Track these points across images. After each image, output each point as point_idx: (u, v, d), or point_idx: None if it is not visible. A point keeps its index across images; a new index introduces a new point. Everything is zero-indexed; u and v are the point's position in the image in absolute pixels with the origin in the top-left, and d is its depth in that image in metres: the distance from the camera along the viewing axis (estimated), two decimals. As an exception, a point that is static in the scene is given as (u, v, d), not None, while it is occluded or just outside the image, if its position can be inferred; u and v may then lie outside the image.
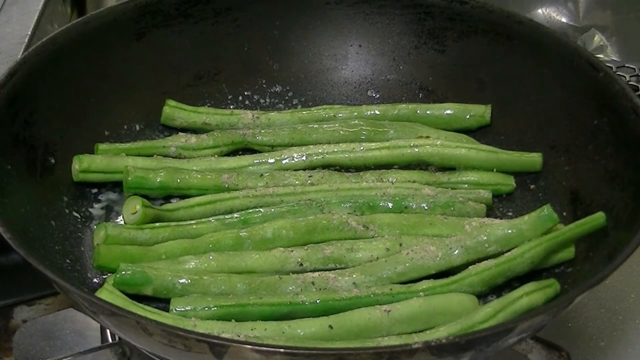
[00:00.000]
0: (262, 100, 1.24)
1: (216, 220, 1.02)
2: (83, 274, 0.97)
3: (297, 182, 1.07)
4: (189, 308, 0.89)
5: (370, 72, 1.25)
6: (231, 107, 1.22)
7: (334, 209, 1.03)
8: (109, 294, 0.89)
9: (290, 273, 0.96)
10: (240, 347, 0.73)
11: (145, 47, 1.17)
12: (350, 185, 1.07)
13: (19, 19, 1.32)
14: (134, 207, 1.01)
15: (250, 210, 1.03)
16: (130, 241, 0.98)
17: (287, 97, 1.24)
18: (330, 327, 0.88)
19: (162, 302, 0.92)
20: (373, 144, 1.12)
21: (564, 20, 1.55)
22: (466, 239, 0.96)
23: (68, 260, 0.97)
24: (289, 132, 1.15)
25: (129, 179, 1.04)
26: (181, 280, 0.92)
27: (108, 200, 1.07)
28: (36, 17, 1.33)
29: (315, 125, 1.15)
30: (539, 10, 1.57)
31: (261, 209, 1.03)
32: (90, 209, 1.06)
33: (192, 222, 1.02)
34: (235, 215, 1.02)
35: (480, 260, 0.95)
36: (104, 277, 0.96)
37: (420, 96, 1.23)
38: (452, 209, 1.04)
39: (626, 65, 1.48)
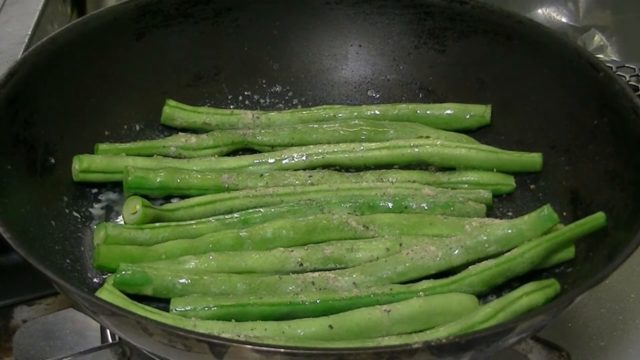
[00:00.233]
0: (262, 100, 1.24)
1: (216, 220, 1.02)
2: (83, 274, 0.97)
3: (297, 182, 1.07)
4: (189, 308, 0.89)
5: (370, 72, 1.25)
6: (231, 107, 1.22)
7: (334, 209, 1.03)
8: (109, 294, 0.89)
9: (290, 273, 0.96)
10: (240, 347, 0.73)
11: (145, 47, 1.17)
12: (350, 185, 1.07)
13: (19, 19, 1.32)
14: (134, 207, 1.01)
15: (250, 210, 1.03)
16: (130, 241, 0.98)
17: (287, 97, 1.24)
18: (330, 327, 0.88)
19: (162, 302, 0.92)
20: (373, 144, 1.12)
21: (564, 20, 1.55)
22: (466, 239, 0.96)
23: (68, 260, 0.97)
24: (289, 132, 1.15)
25: (129, 179, 1.04)
26: (181, 280, 0.92)
27: (108, 200, 1.07)
28: (36, 17, 1.33)
29: (315, 125, 1.15)
30: (539, 10, 1.57)
31: (261, 209, 1.03)
32: (90, 209, 1.06)
33: (192, 222, 1.02)
34: (235, 215, 1.02)
35: (480, 260, 0.95)
36: (104, 277, 0.96)
37: (420, 96, 1.23)
38: (452, 209, 1.04)
39: (626, 65, 1.48)
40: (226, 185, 1.06)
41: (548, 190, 1.09)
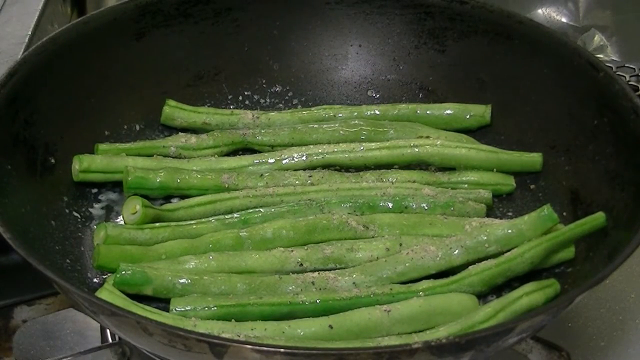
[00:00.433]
0: (262, 100, 1.24)
1: (216, 220, 1.02)
2: (83, 274, 0.97)
3: (297, 182, 1.07)
4: (189, 308, 0.89)
5: (370, 72, 1.25)
6: (231, 107, 1.22)
7: (334, 209, 1.03)
8: (109, 294, 0.89)
9: (290, 273, 0.96)
10: (240, 347, 0.73)
11: (145, 47, 1.17)
12: (350, 185, 1.07)
13: (19, 19, 1.32)
14: (134, 207, 1.01)
15: (250, 210, 1.03)
16: (130, 241, 0.98)
17: (287, 97, 1.24)
18: (330, 327, 0.88)
19: (162, 302, 0.92)
20: (373, 144, 1.12)
21: (564, 20, 1.55)
22: (466, 239, 0.96)
23: (68, 260, 0.97)
24: (289, 132, 1.15)
25: (129, 179, 1.04)
26: (181, 280, 0.92)
27: (108, 200, 1.07)
28: (36, 17, 1.33)
29: (315, 125, 1.15)
30: (539, 10, 1.57)
31: (261, 209, 1.03)
32: (90, 209, 1.06)
33: (192, 222, 1.02)
34: (235, 215, 1.02)
35: (480, 260, 0.95)
36: (104, 277, 0.96)
37: (420, 96, 1.23)
38: (452, 209, 1.04)
39: (626, 65, 1.48)
40: (226, 185, 1.06)
41: (548, 190, 1.09)
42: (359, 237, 1.01)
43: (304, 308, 0.90)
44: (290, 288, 0.94)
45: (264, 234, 0.99)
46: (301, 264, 0.97)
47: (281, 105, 1.24)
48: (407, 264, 0.95)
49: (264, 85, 1.24)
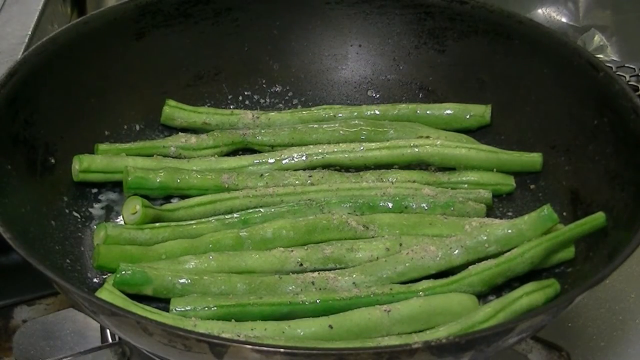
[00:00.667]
0: (262, 100, 1.24)
1: (216, 220, 1.02)
2: (83, 274, 0.97)
3: (297, 182, 1.07)
4: (189, 308, 0.89)
5: (370, 72, 1.25)
6: (231, 107, 1.22)
7: (334, 209, 1.03)
8: (109, 294, 0.89)
9: (290, 273, 0.96)
10: (240, 347, 0.73)
11: (145, 47, 1.17)
12: (350, 185, 1.07)
13: (19, 19, 1.32)
14: (134, 207, 1.01)
15: (250, 210, 1.03)
16: (130, 241, 0.98)
17: (287, 97, 1.24)
18: (330, 327, 0.88)
19: (162, 302, 0.92)
20: (373, 144, 1.12)
21: (564, 20, 1.55)
22: (466, 239, 0.96)
23: (68, 260, 0.97)
24: (289, 132, 1.15)
25: (129, 179, 1.04)
26: (181, 280, 0.92)
27: (108, 200, 1.07)
28: (36, 17, 1.33)
29: (315, 125, 1.15)
30: (539, 10, 1.57)
31: (261, 209, 1.03)
32: (90, 209, 1.06)
33: (192, 222, 1.02)
34: (235, 215, 1.02)
35: (480, 260, 0.95)
36: (104, 277, 0.96)
37: (420, 96, 1.23)
38: (452, 209, 1.04)
39: (626, 65, 1.48)
40: (226, 185, 1.06)
41: (548, 190, 1.09)
42: (359, 237, 1.01)
43: (304, 308, 0.90)
44: (290, 288, 0.94)
45: (264, 234, 0.99)
46: (301, 264, 0.97)
47: (281, 105, 1.24)
48: (407, 264, 0.95)
49: (264, 85, 1.24)
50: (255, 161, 1.11)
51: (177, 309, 0.89)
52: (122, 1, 1.16)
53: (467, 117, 1.17)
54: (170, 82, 1.20)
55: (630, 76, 1.45)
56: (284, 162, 1.11)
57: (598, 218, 0.94)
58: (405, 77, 1.24)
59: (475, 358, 0.79)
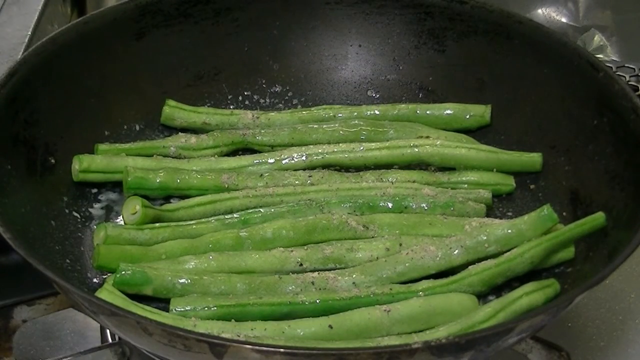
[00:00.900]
0: (262, 100, 1.24)
1: (216, 220, 1.02)
2: (83, 274, 0.97)
3: (297, 182, 1.07)
4: (189, 308, 0.89)
5: (370, 72, 1.25)
6: (231, 107, 1.22)
7: (334, 209, 1.03)
8: (109, 294, 0.89)
9: (290, 273, 0.96)
10: (240, 347, 0.73)
11: (145, 47, 1.17)
12: (350, 185, 1.07)
13: (19, 19, 1.32)
14: (133, 207, 1.01)
15: (250, 210, 1.03)
16: (130, 241, 0.98)
17: (287, 97, 1.24)
18: (330, 327, 0.88)
19: (162, 302, 0.92)
20: (373, 144, 1.12)
21: (564, 20, 1.55)
22: (466, 239, 0.96)
23: (68, 260, 0.97)
24: (289, 132, 1.15)
25: (129, 179, 1.04)
26: (181, 280, 0.92)
27: (108, 200, 1.07)
28: (36, 17, 1.33)
29: (315, 125, 1.15)
30: (539, 10, 1.57)
31: (261, 209, 1.03)
32: (90, 209, 1.06)
33: (192, 222, 1.02)
34: (235, 215, 1.02)
35: (480, 260, 0.95)
36: (104, 277, 0.96)
37: (420, 96, 1.23)
38: (452, 209, 1.04)
39: (626, 65, 1.48)
40: (226, 186, 1.06)
41: (548, 190, 1.09)
42: (358, 237, 1.01)
43: (304, 308, 0.90)
44: (290, 288, 0.94)
45: (263, 234, 0.99)
46: (301, 264, 0.97)
47: (281, 105, 1.24)
48: (407, 264, 0.95)
49: (264, 85, 1.24)
50: (255, 161, 1.11)
51: (177, 309, 0.89)
52: (122, 1, 1.16)
53: (467, 117, 1.17)
54: (170, 82, 1.20)
55: (630, 76, 1.45)
56: (283, 162, 1.11)
57: (598, 218, 0.94)
58: (405, 77, 1.24)
59: (475, 358, 0.79)
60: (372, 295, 0.91)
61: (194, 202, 1.04)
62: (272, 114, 1.19)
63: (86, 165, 1.05)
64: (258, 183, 1.07)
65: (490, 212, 1.07)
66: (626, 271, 1.10)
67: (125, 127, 1.15)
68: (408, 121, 1.17)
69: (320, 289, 0.94)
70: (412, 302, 0.91)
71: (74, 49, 1.10)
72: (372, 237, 1.01)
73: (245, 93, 1.24)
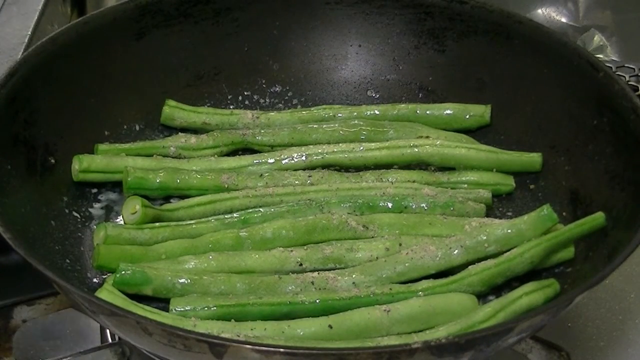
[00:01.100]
0: (262, 100, 1.24)
1: (216, 220, 1.02)
2: (83, 274, 0.97)
3: (297, 182, 1.08)
4: (189, 308, 0.89)
5: (370, 72, 1.25)
6: (231, 107, 1.22)
7: (334, 209, 1.03)
8: (108, 294, 0.89)
9: (290, 273, 0.96)
10: (240, 347, 0.73)
11: (145, 47, 1.17)
12: (350, 185, 1.07)
13: (19, 19, 1.32)
14: (133, 207, 1.01)
15: (250, 210, 1.03)
16: (130, 241, 0.98)
17: (287, 97, 1.24)
18: (330, 326, 0.88)
19: (162, 302, 0.92)
20: (373, 144, 1.12)
21: (563, 20, 1.55)
22: (466, 239, 0.96)
23: (68, 260, 0.97)
24: (288, 132, 1.15)
25: (129, 179, 1.04)
26: (181, 280, 0.92)
27: (108, 200, 1.07)
28: (36, 17, 1.33)
29: (315, 125, 1.15)
30: (539, 10, 1.57)
31: (261, 209, 1.03)
32: (90, 209, 1.06)
33: (192, 222, 1.02)
34: (235, 215, 1.02)
35: (479, 260, 0.95)
36: (104, 277, 0.96)
37: (420, 96, 1.23)
38: (451, 209, 1.04)
39: (626, 65, 1.48)
40: (226, 186, 1.06)
41: (548, 190, 1.09)
42: (358, 237, 1.01)
43: (304, 308, 0.90)
44: (290, 288, 0.94)
45: (263, 233, 0.99)
46: (301, 264, 0.97)
47: (281, 105, 1.24)
48: (406, 264, 0.95)
49: (264, 85, 1.24)
50: (255, 161, 1.11)
51: (176, 309, 0.89)
52: (122, 1, 1.16)
53: (467, 117, 1.17)
54: (170, 82, 1.20)
55: (630, 76, 1.45)
56: (283, 162, 1.11)
57: (598, 218, 0.94)
58: (405, 77, 1.24)
59: (475, 358, 0.79)
60: (372, 295, 0.91)
61: (194, 202, 1.04)
62: (272, 114, 1.19)
63: (86, 165, 1.05)
64: (258, 183, 1.07)
65: (490, 212, 1.07)
66: (626, 271, 1.10)
67: (125, 127, 1.15)
68: (408, 121, 1.17)
69: (320, 288, 0.94)
70: (412, 302, 0.91)
71: (74, 49, 1.10)
72: (372, 237, 1.01)
73: (245, 93, 1.24)
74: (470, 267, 0.95)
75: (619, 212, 0.95)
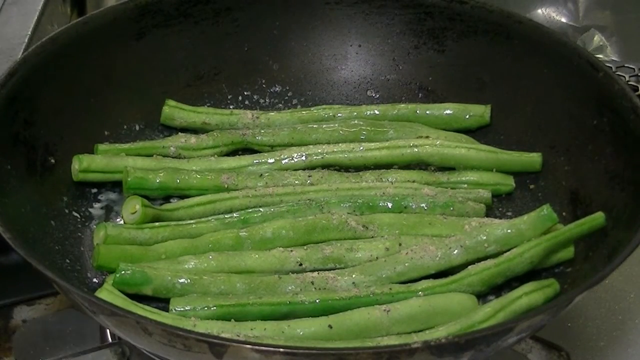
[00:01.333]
0: (261, 100, 1.24)
1: (216, 220, 1.02)
2: (83, 274, 0.97)
3: (296, 182, 1.08)
4: (189, 308, 0.89)
5: (370, 72, 1.25)
6: (231, 107, 1.22)
7: (334, 209, 1.03)
8: (108, 293, 0.89)
9: (290, 273, 0.96)
10: (240, 346, 0.73)
11: (145, 47, 1.17)
12: (350, 185, 1.07)
13: (19, 19, 1.32)
14: (133, 207, 1.01)
15: (250, 210, 1.03)
16: (130, 241, 0.98)
17: (286, 97, 1.24)
18: (330, 326, 0.88)
19: (162, 302, 0.92)
20: (373, 144, 1.12)
21: (563, 20, 1.55)
22: (466, 239, 0.96)
23: (68, 260, 0.97)
24: (288, 132, 1.15)
25: (129, 179, 1.04)
26: (181, 280, 0.92)
27: (108, 200, 1.07)
28: (36, 17, 1.33)
29: (315, 125, 1.15)
30: (539, 10, 1.57)
31: (261, 209, 1.03)
32: (90, 209, 1.06)
33: (192, 221, 1.02)
34: (235, 215, 1.02)
35: (479, 260, 0.95)
36: (104, 277, 0.96)
37: (420, 96, 1.23)
38: (451, 208, 1.04)
39: (626, 65, 1.48)
40: (226, 186, 1.06)
41: (548, 190, 1.09)
42: (358, 237, 1.01)
43: (304, 308, 0.90)
44: (290, 288, 0.94)
45: (263, 233, 0.99)
46: (301, 264, 0.97)
47: (281, 105, 1.24)
48: (406, 264, 0.95)
49: (264, 85, 1.24)
50: (254, 161, 1.11)
51: (176, 308, 0.89)
52: (122, 1, 1.16)
53: (467, 117, 1.17)
54: (170, 82, 1.20)
55: (630, 76, 1.45)
56: (283, 162, 1.11)
57: (597, 218, 0.94)
58: (404, 77, 1.24)
59: (474, 358, 0.79)
60: (371, 295, 0.91)
61: (194, 201, 1.04)
62: (272, 114, 1.19)
63: (86, 165, 1.05)
64: (258, 183, 1.07)
65: (489, 212, 1.07)
66: (626, 271, 1.10)
67: (125, 127, 1.15)
68: (408, 121, 1.17)
69: (320, 288, 0.94)
70: (411, 302, 0.91)
71: (74, 49, 1.10)
72: (372, 237, 1.01)
73: (245, 93, 1.24)
74: (470, 267, 0.95)
75: (619, 212, 0.95)
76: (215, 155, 1.13)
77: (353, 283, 0.94)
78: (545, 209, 0.95)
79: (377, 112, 1.19)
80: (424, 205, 1.04)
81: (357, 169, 1.12)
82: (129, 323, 0.77)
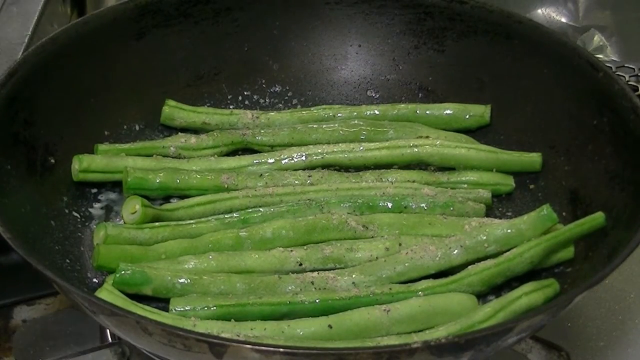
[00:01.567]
0: (261, 100, 1.24)
1: (216, 220, 1.02)
2: (83, 274, 0.97)
3: (296, 182, 1.08)
4: (189, 308, 0.89)
5: (370, 72, 1.26)
6: (231, 107, 1.22)
7: (334, 209, 1.03)
8: (108, 293, 0.89)
9: (290, 273, 0.96)
10: (239, 346, 0.73)
11: (145, 47, 1.17)
12: (350, 185, 1.07)
13: (19, 19, 1.32)
14: (133, 207, 1.01)
15: (250, 210, 1.03)
16: (130, 241, 0.98)
17: (286, 97, 1.24)
18: (330, 326, 0.88)
19: (161, 302, 0.92)
20: (373, 144, 1.12)
21: (563, 20, 1.55)
22: (465, 239, 0.96)
23: (68, 260, 0.97)
24: (288, 132, 1.15)
25: (129, 179, 1.04)
26: (181, 280, 0.92)
27: (108, 200, 1.07)
28: (36, 17, 1.33)
29: (315, 125, 1.15)
30: (539, 10, 1.57)
31: (261, 209, 1.03)
32: (90, 209, 1.06)
33: (192, 221, 1.02)
34: (235, 214, 1.02)
35: (479, 260, 0.95)
36: (104, 277, 0.96)
37: (419, 96, 1.23)
38: (451, 208, 1.04)
39: (626, 65, 1.48)
40: (226, 186, 1.06)
41: (547, 190, 1.09)
42: (358, 237, 1.01)
43: (304, 308, 0.90)
44: (290, 288, 0.94)
45: (263, 233, 0.99)
46: (301, 264, 0.97)
47: (281, 105, 1.24)
48: (406, 264, 0.95)
49: (264, 85, 1.24)
50: (254, 161, 1.11)
51: (176, 308, 0.89)
52: (122, 1, 1.16)
53: (467, 117, 1.17)
54: (170, 82, 1.20)
55: (630, 76, 1.45)
56: (283, 162, 1.11)
57: (597, 218, 0.94)
58: (404, 77, 1.24)
59: (474, 358, 0.79)
60: (371, 295, 0.91)
61: (194, 201, 1.04)
62: (272, 114, 1.19)
63: (86, 165, 1.05)
64: (258, 183, 1.07)
65: (489, 212, 1.07)
66: (626, 271, 1.10)
67: (125, 127, 1.15)
68: (408, 121, 1.17)
69: (319, 288, 0.94)
70: (411, 302, 0.91)
71: (74, 49, 1.10)
72: (372, 237, 1.01)
73: (245, 93, 1.24)
74: (470, 267, 0.95)
75: (618, 212, 0.95)
76: (215, 155, 1.13)
77: (353, 283, 0.94)
78: (545, 209, 0.95)
79: (377, 112, 1.19)
80: (424, 205, 1.04)
81: (357, 169, 1.12)
82: (129, 323, 0.77)
